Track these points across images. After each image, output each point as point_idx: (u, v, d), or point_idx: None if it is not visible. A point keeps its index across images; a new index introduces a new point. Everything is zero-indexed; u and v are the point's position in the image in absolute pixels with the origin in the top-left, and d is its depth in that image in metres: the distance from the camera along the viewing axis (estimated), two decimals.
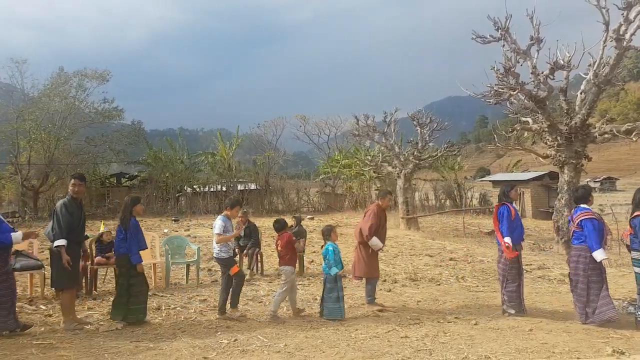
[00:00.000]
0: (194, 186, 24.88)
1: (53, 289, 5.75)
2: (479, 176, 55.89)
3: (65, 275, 5.16)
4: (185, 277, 8.00)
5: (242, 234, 8.61)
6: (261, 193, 24.66)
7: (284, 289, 5.67)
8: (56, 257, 5.16)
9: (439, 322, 5.52)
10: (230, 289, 5.71)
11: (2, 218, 5.16)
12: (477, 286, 7.68)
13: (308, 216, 20.49)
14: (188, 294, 6.95)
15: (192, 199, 24.13)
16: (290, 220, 9.38)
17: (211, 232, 14.40)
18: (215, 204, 23.74)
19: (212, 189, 24.83)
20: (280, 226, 5.97)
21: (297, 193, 24.97)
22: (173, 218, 19.95)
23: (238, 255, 8.40)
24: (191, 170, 25.26)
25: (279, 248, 5.82)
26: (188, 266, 7.99)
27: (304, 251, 8.86)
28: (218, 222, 5.75)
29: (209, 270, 9.00)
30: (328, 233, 5.91)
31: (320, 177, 26.23)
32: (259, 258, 8.58)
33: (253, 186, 25.24)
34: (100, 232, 7.36)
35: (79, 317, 5.54)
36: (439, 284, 7.89)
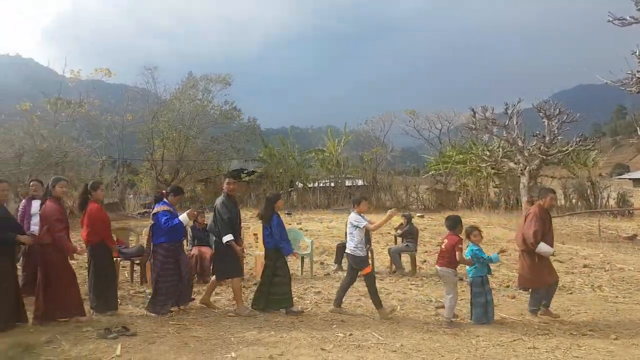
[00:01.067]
0: (305, 182, 25.76)
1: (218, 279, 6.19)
2: (615, 173, 49.54)
3: (231, 265, 5.69)
4: (300, 268, 8.28)
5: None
6: (368, 189, 24.66)
7: (451, 294, 5.37)
8: (221, 250, 5.69)
9: (571, 334, 4.99)
10: (347, 287, 5.75)
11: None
12: (617, 297, 6.77)
13: (418, 214, 19.94)
14: (303, 286, 7.18)
15: (302, 194, 25.03)
16: (399, 219, 9.22)
17: (321, 226, 14.95)
18: (324, 199, 24.31)
19: (321, 185, 25.51)
20: (452, 224, 5.56)
21: (405, 190, 24.45)
22: (286, 212, 20.86)
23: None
24: (302, 167, 26.21)
25: (443, 247, 5.55)
26: (302, 258, 8.25)
27: (416, 250, 8.64)
28: (356, 217, 5.68)
29: (322, 263, 9.21)
30: (469, 233, 5.55)
31: (430, 173, 25.33)
32: (369, 255, 8.53)
33: (360, 182, 25.37)
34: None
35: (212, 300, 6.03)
36: (570, 293, 7.12)
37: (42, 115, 19.77)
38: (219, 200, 5.80)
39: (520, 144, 15.71)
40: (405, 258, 8.59)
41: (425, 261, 9.47)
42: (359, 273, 5.75)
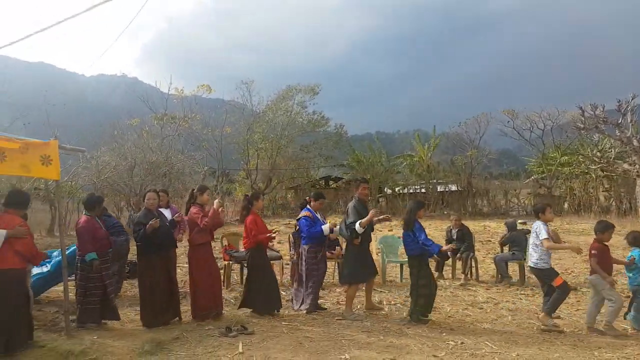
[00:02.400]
0: (394, 187, 25.54)
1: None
2: None
3: (358, 270, 5.85)
4: (399, 275, 8.32)
5: (455, 237, 8.53)
6: (462, 195, 23.79)
7: (613, 300, 5.17)
8: (351, 254, 5.94)
9: None
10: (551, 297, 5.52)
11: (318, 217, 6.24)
12: None
13: (519, 220, 18.85)
14: (405, 292, 7.20)
15: (391, 200, 24.83)
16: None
17: None
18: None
19: (410, 191, 25.11)
20: (598, 228, 5.40)
21: (504, 194, 23.23)
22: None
23: (451, 259, 8.36)
24: (390, 172, 26.04)
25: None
26: (402, 265, 8.29)
27: (525, 259, 8.25)
28: (542, 227, 5.47)
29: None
30: (634, 239, 5.32)
31: (533, 177, 23.74)
32: (472, 263, 8.35)
33: (454, 187, 24.56)
34: None
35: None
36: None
37: (150, 130, 21.54)
38: (350, 205, 5.99)
39: (635, 143, 14.32)
40: (512, 267, 8.27)
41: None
42: (553, 284, 5.45)
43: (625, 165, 15.01)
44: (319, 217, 6.21)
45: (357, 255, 5.87)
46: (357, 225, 5.69)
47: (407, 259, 8.05)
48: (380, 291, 7.37)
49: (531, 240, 5.62)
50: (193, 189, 6.06)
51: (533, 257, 5.49)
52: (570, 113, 20.70)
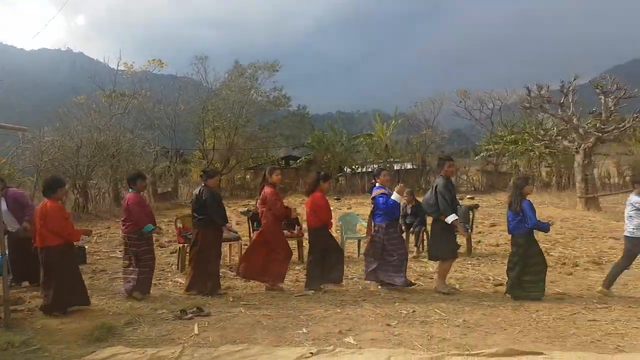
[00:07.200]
0: (353, 167, 25.91)
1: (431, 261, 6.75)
2: None
3: (448, 246, 5.91)
4: (357, 251, 8.58)
5: (409, 212, 8.87)
6: (417, 172, 24.55)
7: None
8: (438, 230, 5.91)
9: (630, 307, 5.11)
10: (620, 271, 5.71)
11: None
12: None
13: (467, 196, 19.74)
14: (361, 267, 7.47)
15: (351, 179, 25.26)
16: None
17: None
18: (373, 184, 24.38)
19: (369, 169, 25.61)
20: None
21: (455, 171, 24.19)
22: (335, 197, 21.19)
23: (405, 233, 8.70)
24: (350, 152, 26.38)
25: None
26: (359, 241, 8.54)
27: (470, 231, 8.73)
28: (636, 199, 5.48)
29: None
30: None
31: (481, 154, 24.82)
32: (424, 236, 8.73)
33: (409, 166, 25.28)
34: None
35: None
36: (627, 269, 7.06)
37: (97, 107, 20.32)
38: (440, 181, 5.89)
39: (575, 121, 15.26)
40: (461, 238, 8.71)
41: (479, 241, 9.56)
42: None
43: (566, 142, 15.99)
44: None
45: (449, 231, 5.89)
46: (450, 218, 5.69)
47: (364, 235, 8.38)
48: None
49: (627, 212, 5.62)
50: (265, 170, 6.39)
51: (629, 226, 5.55)
52: (518, 93, 21.65)
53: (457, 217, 5.78)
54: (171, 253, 8.81)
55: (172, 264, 7.94)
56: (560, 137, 16.63)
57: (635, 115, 14.95)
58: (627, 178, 21.10)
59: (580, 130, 15.03)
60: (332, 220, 6.42)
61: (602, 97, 14.80)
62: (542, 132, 17.66)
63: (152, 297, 5.89)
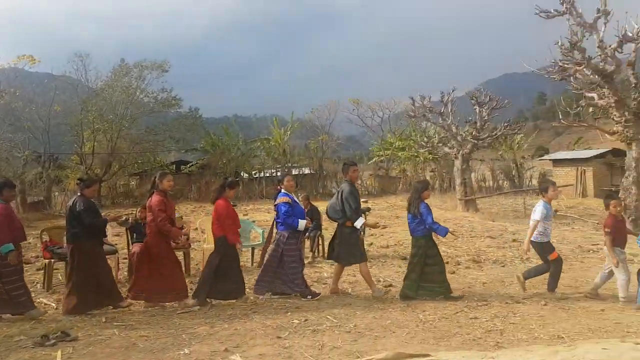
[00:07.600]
0: (250, 172, 25.45)
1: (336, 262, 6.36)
2: (537, 155, 53.41)
3: (356, 251, 5.87)
4: (250, 259, 8.26)
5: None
6: (315, 177, 24.87)
7: (621, 270, 5.44)
8: (345, 236, 5.82)
9: (507, 303, 5.47)
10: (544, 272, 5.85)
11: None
12: None
13: (362, 199, 20.40)
14: (254, 276, 7.16)
15: (248, 185, 24.74)
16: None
17: (269, 216, 14.93)
18: (271, 189, 24.19)
19: (267, 174, 25.34)
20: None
21: (359, 176, 24.91)
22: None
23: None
24: (247, 156, 25.87)
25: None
26: (253, 249, 8.24)
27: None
28: (538, 208, 5.81)
29: None
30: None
31: (373, 159, 26.03)
32: (319, 241, 8.71)
33: (307, 171, 25.52)
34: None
35: None
36: (503, 266, 7.75)
37: None
38: (346, 187, 5.89)
39: (454, 129, 16.63)
40: None
41: (371, 244, 9.80)
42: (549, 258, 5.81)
43: (446, 149, 17.39)
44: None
45: (356, 236, 5.87)
46: (358, 222, 5.75)
47: (259, 243, 8.12)
48: None
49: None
50: (155, 175, 5.97)
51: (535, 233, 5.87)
52: (405, 103, 23.10)
53: (364, 221, 5.93)
54: (37, 270, 7.75)
55: (36, 283, 6.99)
56: (441, 144, 18.06)
57: (505, 124, 16.85)
58: (501, 182, 23.67)
59: (459, 138, 16.42)
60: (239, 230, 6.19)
61: (477, 107, 16.33)
62: (425, 139, 19.05)
63: (8, 321, 5.05)
